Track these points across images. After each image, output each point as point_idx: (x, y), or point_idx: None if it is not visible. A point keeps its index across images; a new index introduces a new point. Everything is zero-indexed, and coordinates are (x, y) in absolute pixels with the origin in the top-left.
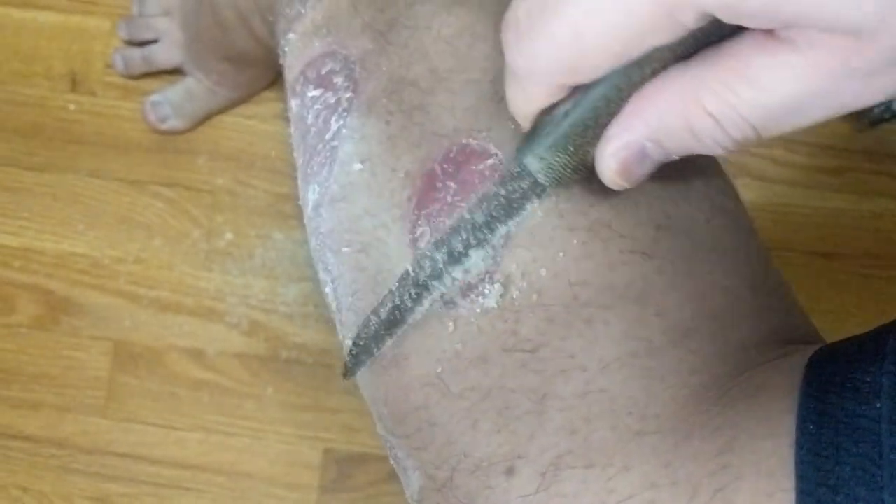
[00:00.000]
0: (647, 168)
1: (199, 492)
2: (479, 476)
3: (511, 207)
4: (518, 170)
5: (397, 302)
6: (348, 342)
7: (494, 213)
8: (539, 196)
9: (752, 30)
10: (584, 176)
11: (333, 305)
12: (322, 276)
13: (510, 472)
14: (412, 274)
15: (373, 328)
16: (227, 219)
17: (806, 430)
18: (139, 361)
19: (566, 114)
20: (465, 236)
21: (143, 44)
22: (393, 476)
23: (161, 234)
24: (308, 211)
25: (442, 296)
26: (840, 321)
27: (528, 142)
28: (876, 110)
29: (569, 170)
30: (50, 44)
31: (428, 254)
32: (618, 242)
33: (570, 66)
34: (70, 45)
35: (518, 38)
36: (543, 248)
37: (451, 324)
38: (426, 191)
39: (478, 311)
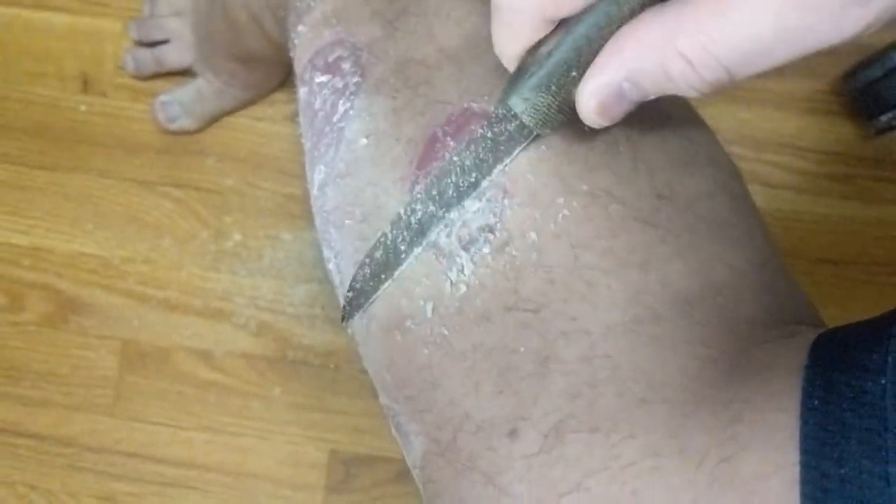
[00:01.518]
0: (624, 107)
1: (206, 491)
2: (482, 437)
3: (498, 150)
4: (503, 110)
5: (389, 245)
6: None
7: (482, 156)
8: (526, 138)
9: None
10: (569, 117)
11: (337, 280)
12: (326, 252)
13: (513, 433)
14: (404, 217)
15: (367, 271)
16: (235, 220)
17: (811, 405)
18: (147, 361)
19: (549, 54)
20: (454, 179)
21: (153, 44)
22: (399, 477)
23: (170, 234)
24: (314, 192)
25: (442, 249)
26: None
27: (512, 83)
28: (884, 118)
29: (553, 110)
30: (61, 45)
31: (419, 196)
32: (619, 209)
33: None
34: (81, 46)
35: None
36: (545, 208)
37: (453, 279)
38: (426, 152)
39: (478, 264)
